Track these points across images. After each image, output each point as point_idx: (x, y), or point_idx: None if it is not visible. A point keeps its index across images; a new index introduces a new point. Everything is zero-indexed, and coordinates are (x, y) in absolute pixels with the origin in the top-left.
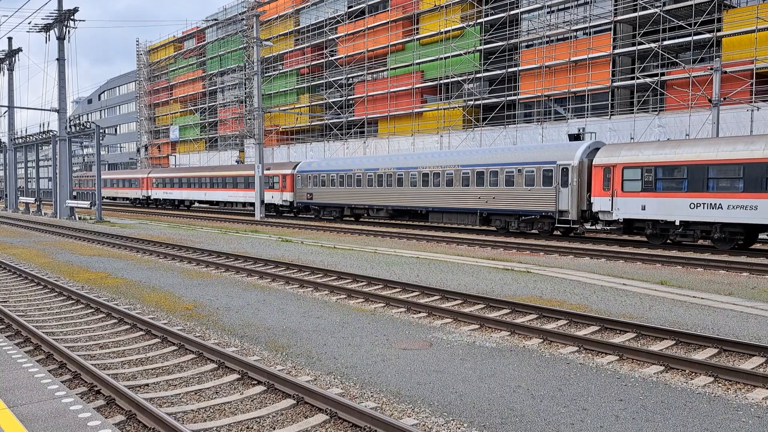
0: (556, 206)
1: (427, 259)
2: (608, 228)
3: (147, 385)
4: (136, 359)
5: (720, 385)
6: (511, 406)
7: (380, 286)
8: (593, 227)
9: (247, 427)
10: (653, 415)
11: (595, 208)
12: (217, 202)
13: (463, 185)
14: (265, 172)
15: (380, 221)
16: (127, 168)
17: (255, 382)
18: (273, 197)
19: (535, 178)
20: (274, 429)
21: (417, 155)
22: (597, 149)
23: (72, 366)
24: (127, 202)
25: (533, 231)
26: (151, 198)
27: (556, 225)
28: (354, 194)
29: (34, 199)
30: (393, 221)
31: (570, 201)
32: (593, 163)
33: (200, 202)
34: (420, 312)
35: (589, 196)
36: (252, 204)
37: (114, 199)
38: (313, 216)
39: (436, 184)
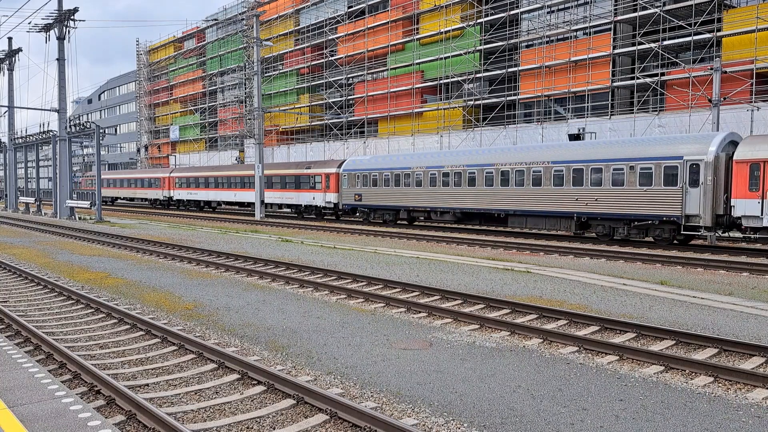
0: (682, 210)
1: (427, 259)
2: (754, 236)
3: (147, 385)
4: (136, 359)
5: (720, 385)
6: (511, 406)
7: (380, 286)
8: (725, 234)
9: (247, 427)
10: (653, 415)
11: (736, 213)
12: (248, 204)
13: (554, 185)
14: (306, 170)
15: (444, 225)
16: (127, 168)
17: (255, 382)
18: (314, 198)
19: (654, 176)
20: (274, 429)
21: (494, 150)
22: (732, 142)
23: (72, 366)
24: (146, 203)
25: (647, 239)
26: (174, 199)
27: (682, 232)
28: (413, 195)
29: (34, 199)
30: (459, 226)
31: (702, 204)
32: (734, 158)
33: (228, 203)
34: (420, 312)
35: (727, 198)
36: (289, 206)
37: (132, 200)
38: (360, 219)
39: (519, 183)
